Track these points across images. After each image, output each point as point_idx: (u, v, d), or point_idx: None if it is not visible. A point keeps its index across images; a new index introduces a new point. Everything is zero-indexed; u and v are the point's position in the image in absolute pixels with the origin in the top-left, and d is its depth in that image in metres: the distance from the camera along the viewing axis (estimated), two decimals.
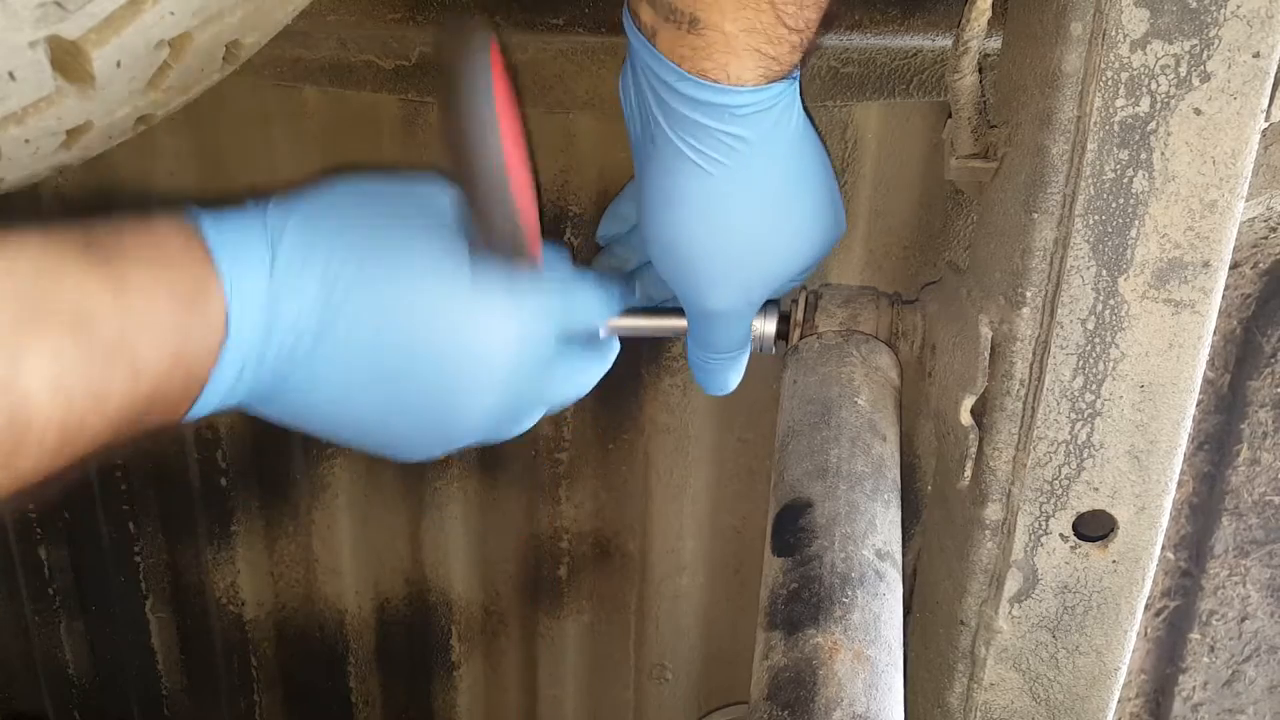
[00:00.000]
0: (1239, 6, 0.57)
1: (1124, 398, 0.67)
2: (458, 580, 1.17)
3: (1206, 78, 0.59)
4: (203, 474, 1.17)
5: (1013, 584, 0.73)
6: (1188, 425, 0.68)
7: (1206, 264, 0.63)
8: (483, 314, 0.62)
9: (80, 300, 0.50)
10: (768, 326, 0.81)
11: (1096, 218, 0.62)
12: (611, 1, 0.85)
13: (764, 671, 0.61)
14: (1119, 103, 0.60)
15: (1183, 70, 0.59)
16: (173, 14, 0.56)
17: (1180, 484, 0.78)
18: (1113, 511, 0.70)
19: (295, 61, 0.93)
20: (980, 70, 0.68)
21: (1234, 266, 0.91)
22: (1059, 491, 0.70)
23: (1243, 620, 1.04)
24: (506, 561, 1.16)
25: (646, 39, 0.63)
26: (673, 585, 1.13)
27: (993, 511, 0.72)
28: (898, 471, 0.75)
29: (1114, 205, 0.62)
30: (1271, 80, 0.59)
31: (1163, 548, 0.72)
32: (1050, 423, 0.68)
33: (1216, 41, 0.58)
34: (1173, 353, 0.65)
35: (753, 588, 1.10)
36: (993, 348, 0.70)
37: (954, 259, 0.90)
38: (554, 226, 0.99)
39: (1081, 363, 0.66)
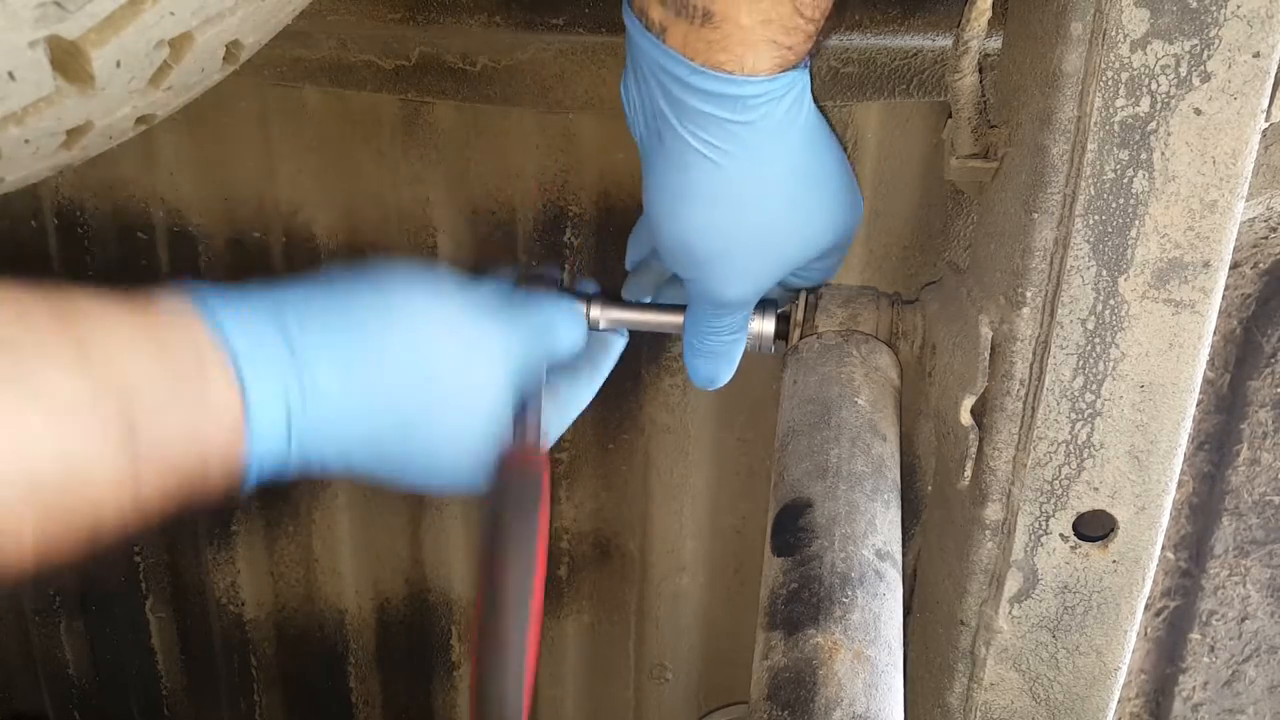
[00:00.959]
0: (1239, 6, 0.57)
1: (1124, 398, 0.67)
2: (458, 580, 1.17)
3: (1207, 78, 0.59)
4: None
5: (1013, 584, 0.73)
6: (1188, 425, 0.68)
7: (1207, 264, 0.63)
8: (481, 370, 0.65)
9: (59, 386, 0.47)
10: (766, 326, 0.81)
11: (1096, 218, 0.62)
12: (611, 1, 0.85)
13: (764, 671, 0.61)
14: (1119, 103, 0.60)
15: (1183, 70, 0.59)
16: (173, 14, 0.56)
17: (1180, 484, 0.78)
18: (1113, 511, 0.70)
19: (295, 61, 0.93)
20: (980, 70, 0.68)
21: (1234, 266, 0.91)
22: (1059, 491, 0.70)
23: (1243, 620, 1.04)
24: None
25: (655, 36, 0.63)
26: (673, 585, 1.13)
27: (993, 511, 0.72)
28: (898, 471, 0.74)
29: (1114, 205, 0.62)
30: (1272, 80, 0.59)
31: (1163, 548, 0.72)
32: (1050, 423, 0.68)
33: (1217, 41, 0.58)
34: (1173, 353, 0.65)
35: (753, 588, 1.10)
36: (993, 348, 0.70)
37: (954, 259, 0.91)
38: (554, 226, 0.99)
39: (1081, 363, 0.66)
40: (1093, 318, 0.65)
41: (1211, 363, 0.94)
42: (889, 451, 0.75)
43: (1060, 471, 0.69)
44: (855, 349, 0.80)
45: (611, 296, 0.82)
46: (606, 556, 1.14)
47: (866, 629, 0.61)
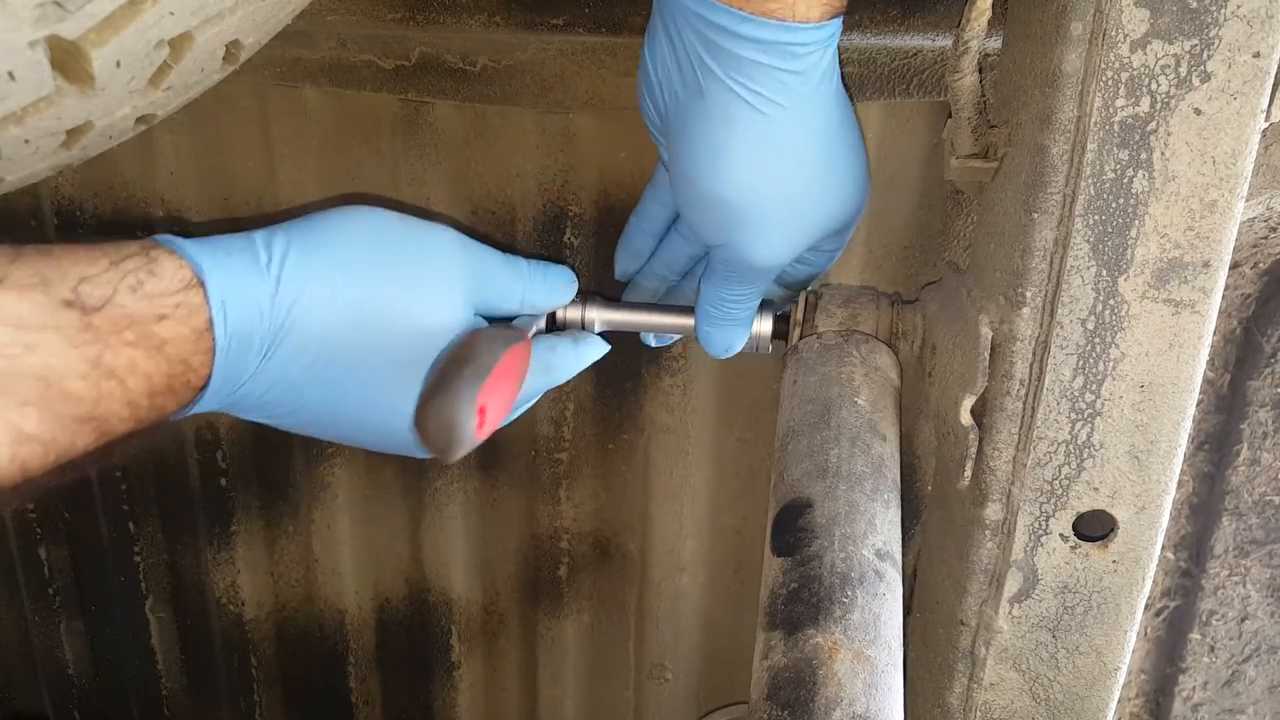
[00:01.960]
0: (1239, 6, 0.57)
1: (1124, 398, 0.67)
2: (458, 580, 1.17)
3: (1207, 78, 0.59)
4: (203, 474, 1.17)
5: (1013, 584, 0.73)
6: (1188, 425, 0.68)
7: (1206, 264, 0.63)
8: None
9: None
10: (764, 326, 0.81)
11: (1096, 218, 0.62)
12: (611, 1, 0.85)
13: (764, 671, 0.61)
14: (1119, 103, 0.60)
15: (1183, 70, 0.59)
16: (173, 14, 0.56)
17: (1180, 484, 0.78)
18: (1113, 511, 0.70)
19: (295, 61, 0.93)
20: (980, 70, 0.68)
21: (1234, 266, 0.91)
22: (1059, 491, 0.70)
23: (1243, 620, 1.04)
24: (506, 561, 1.16)
25: None
26: (673, 585, 1.13)
27: (993, 511, 0.72)
28: (898, 471, 0.74)
29: (1114, 205, 0.62)
30: (1271, 80, 0.59)
31: (1163, 548, 0.72)
32: (1050, 423, 0.68)
33: (1217, 41, 0.58)
34: (1173, 353, 0.65)
35: (753, 588, 1.10)
36: (993, 348, 0.70)
37: (954, 259, 0.90)
38: (554, 226, 0.99)
39: (1081, 363, 0.66)
40: (1093, 318, 0.65)
41: (1211, 363, 0.94)
42: (889, 451, 0.75)
43: (1060, 471, 0.69)
44: (855, 349, 0.80)
45: (609, 299, 0.82)
46: (606, 556, 1.14)
47: (866, 629, 0.61)
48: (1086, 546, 0.72)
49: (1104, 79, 0.59)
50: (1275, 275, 0.92)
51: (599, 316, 0.80)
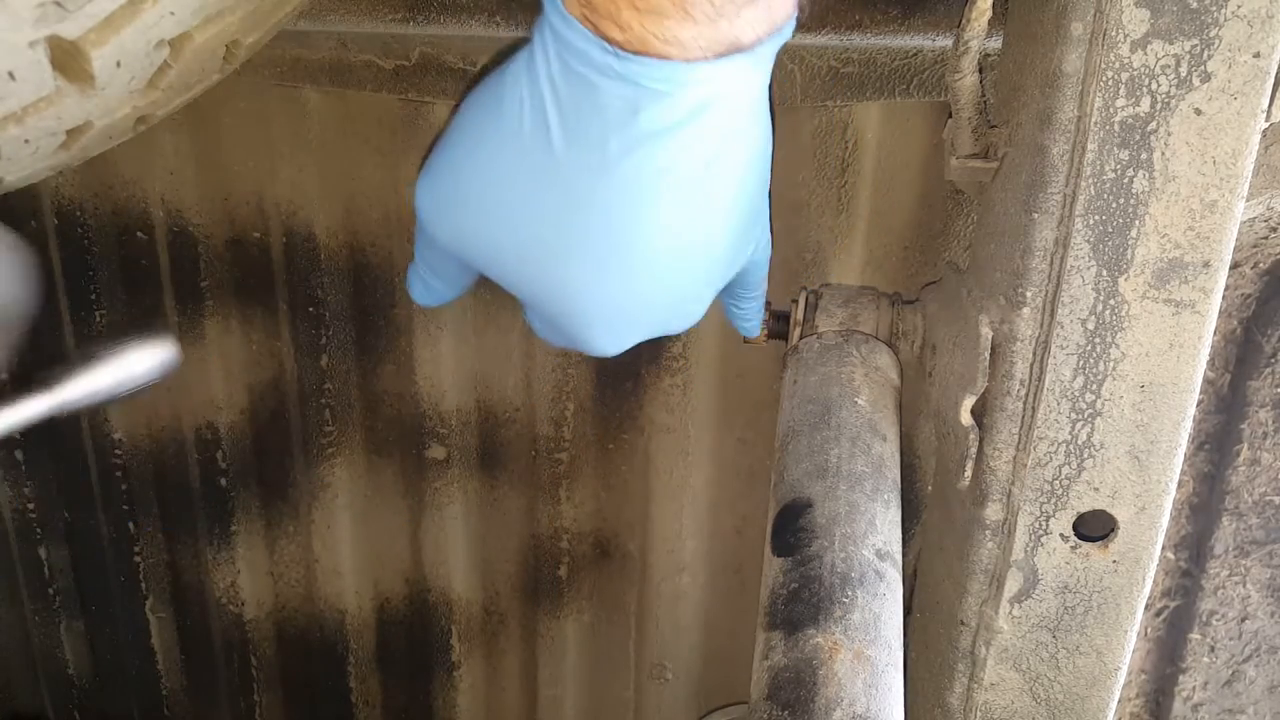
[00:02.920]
0: (1239, 6, 0.57)
1: (1124, 398, 0.67)
2: (458, 580, 1.17)
3: (1207, 78, 0.59)
4: (203, 474, 1.17)
5: (1013, 584, 0.73)
6: (1188, 425, 0.67)
7: (1207, 264, 0.63)
8: None
9: None
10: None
11: (1097, 218, 0.62)
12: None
13: (764, 671, 0.61)
14: (1119, 103, 0.60)
15: (1183, 70, 0.59)
16: (173, 14, 0.56)
17: (1180, 484, 0.78)
18: (1113, 511, 0.70)
19: (295, 61, 0.94)
20: (981, 70, 0.68)
21: (1234, 266, 0.91)
22: (1059, 491, 0.70)
23: (1243, 620, 1.04)
24: (506, 561, 1.16)
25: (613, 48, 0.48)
26: (673, 585, 1.13)
27: (993, 511, 0.72)
28: (898, 471, 0.74)
29: (1114, 205, 0.62)
30: (1272, 80, 0.59)
31: (1163, 548, 0.72)
32: (1050, 423, 0.68)
33: (1217, 41, 0.58)
34: (1173, 353, 0.65)
35: (753, 588, 1.10)
36: (993, 348, 0.70)
37: (954, 259, 0.91)
38: None
39: (1082, 363, 0.66)
40: (1093, 318, 0.65)
41: (1212, 363, 0.94)
42: (889, 451, 0.75)
43: (1060, 471, 0.69)
44: (855, 349, 0.80)
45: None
46: (606, 556, 1.14)
47: (866, 629, 0.61)
48: (1087, 546, 0.72)
49: (1104, 79, 0.59)
50: (1275, 275, 0.92)
51: None
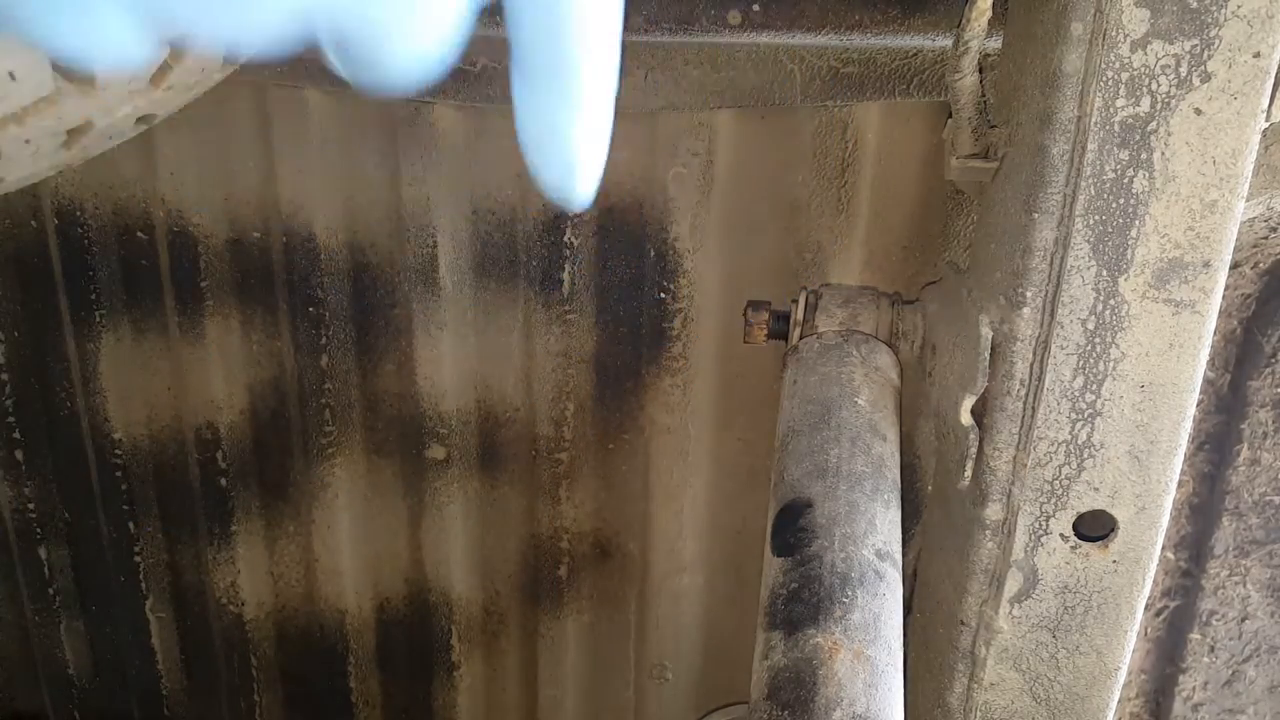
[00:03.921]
0: (1239, 6, 0.57)
1: (1124, 398, 0.67)
2: (458, 580, 1.17)
3: (1207, 78, 0.59)
4: (203, 474, 1.17)
5: (1013, 584, 0.73)
6: (1188, 425, 0.67)
7: (1207, 264, 0.63)
8: None
9: None
10: None
11: (1097, 218, 0.62)
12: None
13: (764, 671, 0.61)
14: (1119, 103, 0.60)
15: (1183, 70, 0.59)
16: None
17: (1180, 484, 0.78)
18: (1113, 511, 0.70)
19: (295, 61, 0.93)
20: (980, 70, 0.68)
21: (1234, 266, 0.91)
22: (1059, 491, 0.70)
23: (1243, 620, 1.04)
24: (506, 561, 1.16)
25: None
26: (673, 585, 1.13)
27: (993, 511, 0.72)
28: (898, 471, 0.74)
29: (1114, 205, 0.62)
30: (1272, 80, 0.59)
31: (1163, 548, 0.72)
32: (1050, 423, 0.68)
33: (1217, 41, 0.58)
34: (1173, 353, 0.65)
35: (753, 588, 1.10)
36: (993, 348, 0.69)
37: (954, 259, 0.90)
38: (554, 226, 0.99)
39: (1082, 363, 0.66)
40: (1093, 318, 0.65)
41: (1212, 363, 0.94)
42: (889, 451, 0.75)
43: (1060, 471, 0.69)
44: (855, 349, 0.80)
45: None
46: (606, 556, 1.14)
47: (866, 629, 0.61)
48: (1087, 546, 0.71)
49: (1104, 79, 0.59)
50: (1275, 275, 0.92)
51: None
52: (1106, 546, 0.71)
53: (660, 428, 1.06)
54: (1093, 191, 0.62)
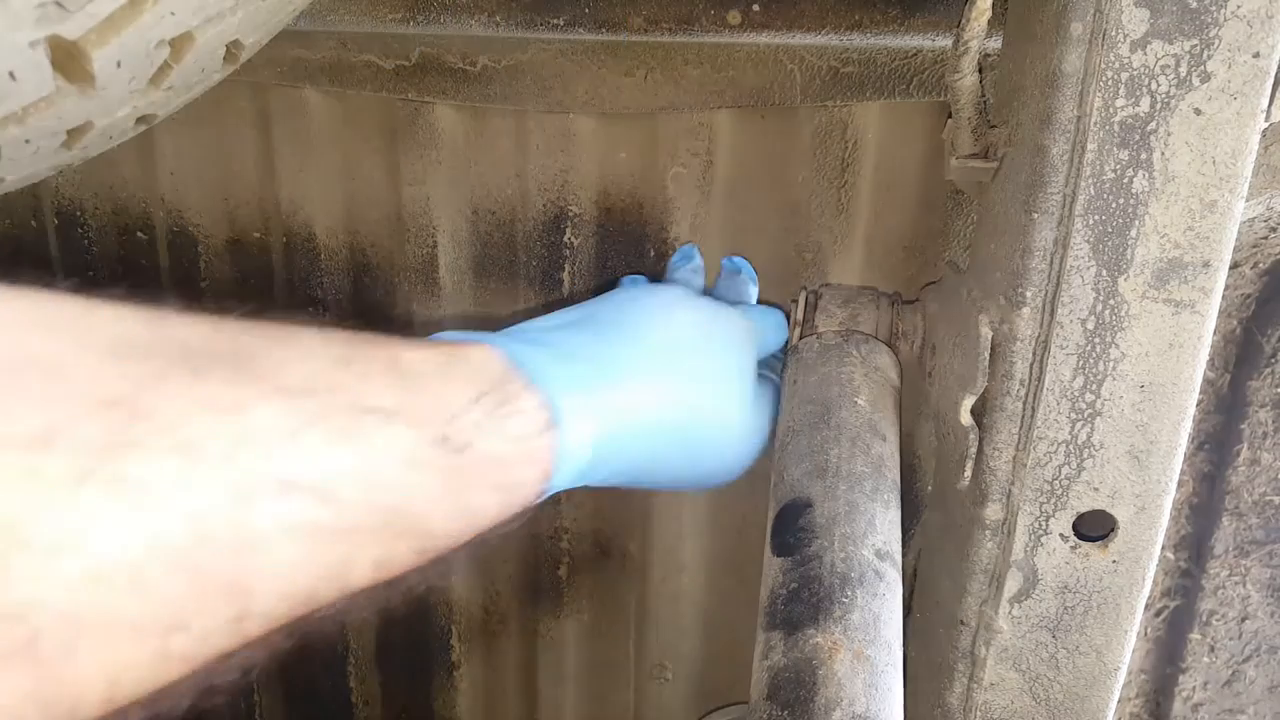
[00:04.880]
0: (1239, 6, 0.57)
1: (1124, 398, 0.67)
2: (458, 580, 1.17)
3: (1207, 78, 0.59)
4: None
5: (1013, 584, 0.73)
6: (1188, 425, 0.67)
7: (1207, 264, 0.63)
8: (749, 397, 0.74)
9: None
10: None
11: (1096, 218, 0.62)
12: (611, 1, 0.85)
13: (763, 671, 0.61)
14: (1119, 103, 0.60)
15: (1183, 70, 0.59)
16: (173, 14, 0.56)
17: (1180, 484, 0.78)
18: (1113, 511, 0.70)
19: (295, 61, 0.94)
20: (980, 70, 0.68)
21: (1234, 266, 0.91)
22: (1059, 491, 0.70)
23: (1243, 620, 1.04)
24: (506, 561, 1.16)
25: None
26: (673, 585, 1.13)
27: (993, 511, 0.72)
28: (898, 471, 0.74)
29: (1114, 205, 0.62)
30: (1272, 80, 0.59)
31: (1163, 548, 0.72)
32: (1050, 423, 0.68)
33: (1217, 41, 0.58)
34: (1173, 353, 0.65)
35: (753, 588, 1.10)
36: (993, 348, 0.69)
37: (954, 259, 0.90)
38: (554, 226, 0.99)
39: (1081, 363, 0.66)
40: (1093, 318, 0.65)
41: (1212, 363, 0.94)
42: (889, 451, 0.75)
43: (1060, 471, 0.69)
44: (855, 349, 0.80)
45: None
46: (606, 556, 1.14)
47: (866, 629, 0.61)
48: (1086, 546, 0.71)
49: (1104, 79, 0.59)
50: (1275, 275, 0.92)
51: None
52: (1106, 546, 0.71)
53: None
54: (1092, 191, 0.62)
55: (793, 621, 0.62)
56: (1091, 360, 0.66)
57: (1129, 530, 0.71)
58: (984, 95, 0.70)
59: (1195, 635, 1.05)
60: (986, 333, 0.69)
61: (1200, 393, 0.69)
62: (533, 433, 0.54)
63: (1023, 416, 0.69)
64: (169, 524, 0.34)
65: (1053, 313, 0.65)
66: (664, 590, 1.13)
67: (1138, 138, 0.60)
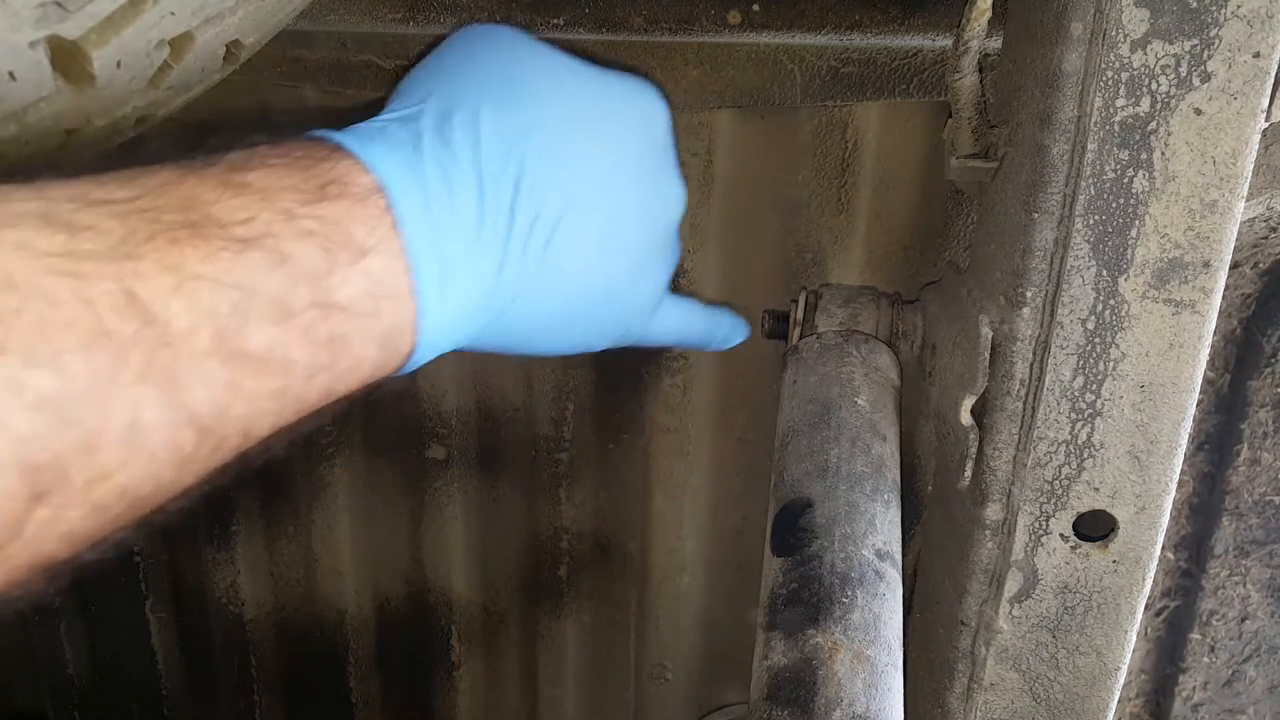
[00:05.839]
0: (1239, 6, 0.57)
1: (1124, 398, 0.67)
2: (458, 580, 1.17)
3: (1207, 78, 0.59)
4: None
5: (1013, 584, 0.73)
6: (1188, 425, 0.67)
7: (1207, 264, 0.63)
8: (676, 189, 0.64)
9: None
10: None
11: (1097, 218, 0.62)
12: (611, 1, 0.85)
13: (764, 671, 0.61)
14: (1119, 103, 0.60)
15: (1183, 70, 0.59)
16: (173, 14, 0.56)
17: (1180, 484, 0.78)
18: (1113, 511, 0.70)
19: (295, 61, 0.93)
20: (980, 70, 0.68)
21: (1234, 266, 0.91)
22: (1059, 491, 0.70)
23: (1243, 620, 1.04)
24: (506, 561, 1.16)
25: None
26: (673, 585, 1.13)
27: (993, 511, 0.72)
28: (898, 471, 0.74)
29: (1114, 205, 0.62)
30: (1272, 80, 0.59)
31: (1163, 548, 0.72)
32: (1050, 423, 0.68)
33: (1217, 41, 0.58)
34: (1173, 353, 0.65)
35: (753, 588, 1.10)
36: (993, 348, 0.69)
37: (954, 259, 0.90)
38: None
39: (1082, 363, 0.66)
40: (1093, 318, 0.65)
41: (1212, 363, 0.94)
42: (889, 451, 0.75)
43: (1060, 471, 0.69)
44: (855, 349, 0.80)
45: None
46: (606, 556, 1.14)
47: (866, 629, 0.61)
48: (1087, 546, 0.71)
49: (1104, 79, 0.59)
50: (1275, 275, 0.92)
51: None
52: (1106, 546, 0.71)
53: (660, 428, 1.06)
54: (1092, 191, 0.62)
55: (793, 622, 0.62)
56: (1092, 360, 0.66)
57: (1129, 530, 0.71)
58: (984, 95, 0.70)
59: (1195, 635, 1.05)
60: (987, 333, 0.69)
61: (1200, 393, 0.69)
62: (393, 289, 0.48)
63: (1023, 416, 0.69)
64: None
65: (1053, 313, 0.65)
66: (664, 590, 1.13)
67: (1138, 138, 0.60)
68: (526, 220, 0.54)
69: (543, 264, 0.55)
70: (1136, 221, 0.62)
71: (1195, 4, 0.57)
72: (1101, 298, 0.64)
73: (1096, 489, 0.70)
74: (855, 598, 0.62)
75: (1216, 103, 0.59)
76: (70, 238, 0.37)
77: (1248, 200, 0.63)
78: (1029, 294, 0.66)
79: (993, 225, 0.71)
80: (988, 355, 0.70)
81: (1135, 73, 0.59)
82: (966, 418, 0.72)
